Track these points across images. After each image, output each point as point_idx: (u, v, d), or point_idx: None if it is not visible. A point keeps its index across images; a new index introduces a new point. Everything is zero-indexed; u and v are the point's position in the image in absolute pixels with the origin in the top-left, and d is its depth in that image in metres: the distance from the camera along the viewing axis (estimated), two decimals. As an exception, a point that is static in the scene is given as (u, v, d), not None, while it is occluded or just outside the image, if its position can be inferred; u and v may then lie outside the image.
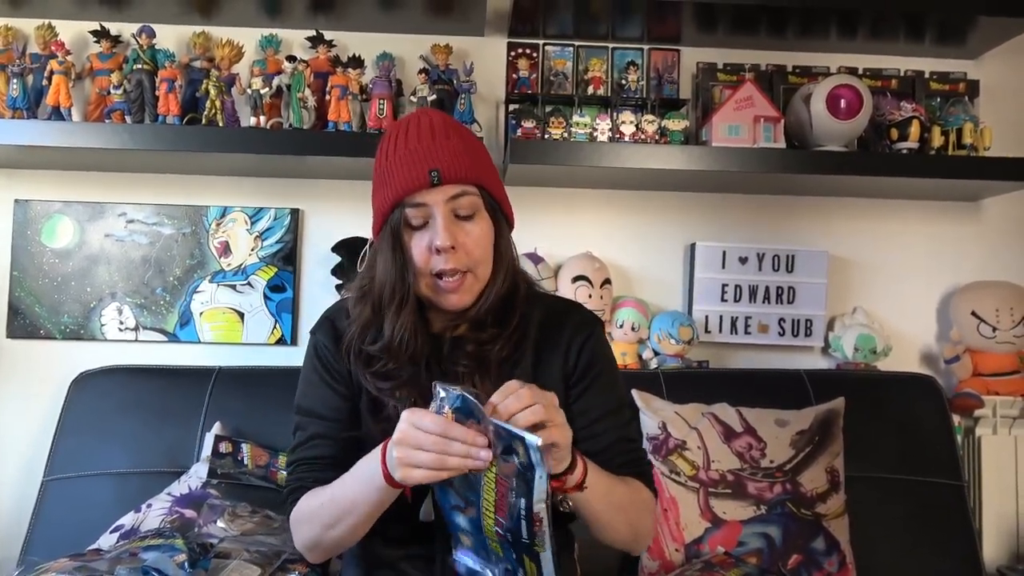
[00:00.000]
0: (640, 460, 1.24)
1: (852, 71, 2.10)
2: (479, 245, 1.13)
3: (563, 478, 1.02)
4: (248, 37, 2.02)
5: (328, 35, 2.00)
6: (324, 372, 1.23)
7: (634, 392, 1.79)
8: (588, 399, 1.21)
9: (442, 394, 0.98)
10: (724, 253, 2.09)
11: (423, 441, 0.95)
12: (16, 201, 2.05)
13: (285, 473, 1.30)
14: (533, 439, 0.90)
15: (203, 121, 1.88)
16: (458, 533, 1.08)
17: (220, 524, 1.52)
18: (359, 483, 1.08)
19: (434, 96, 1.92)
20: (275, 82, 1.91)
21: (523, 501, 0.94)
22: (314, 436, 1.22)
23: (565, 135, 1.92)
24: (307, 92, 1.88)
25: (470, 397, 0.95)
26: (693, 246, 2.11)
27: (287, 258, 2.08)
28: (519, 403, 0.96)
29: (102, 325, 2.05)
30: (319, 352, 1.24)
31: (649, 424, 1.75)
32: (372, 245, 1.17)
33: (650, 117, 1.94)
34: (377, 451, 1.04)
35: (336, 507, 1.11)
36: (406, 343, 1.14)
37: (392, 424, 1.01)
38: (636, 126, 1.93)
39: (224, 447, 1.70)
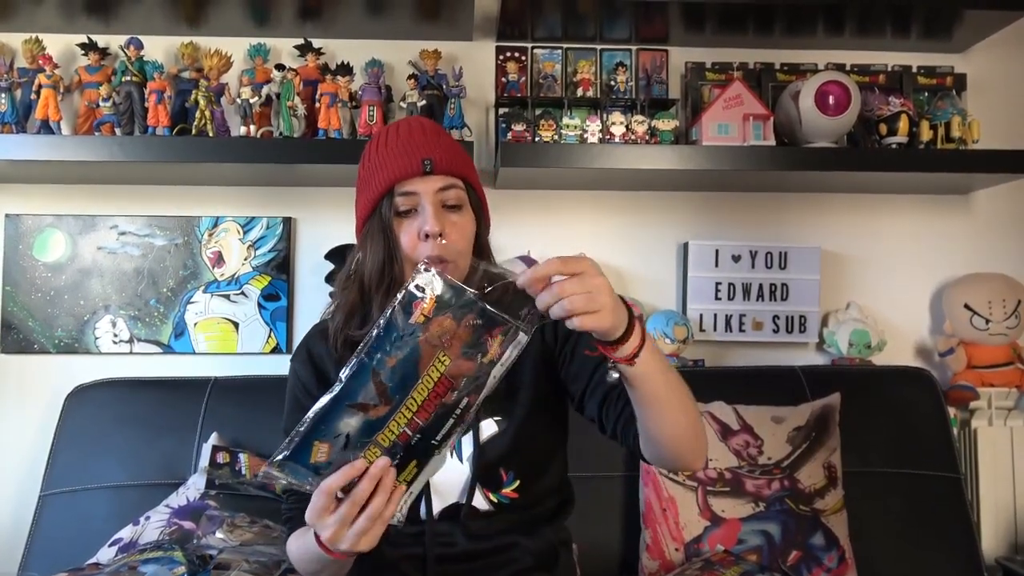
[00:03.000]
0: None
1: (840, 67, 2.11)
2: (463, 236, 1.15)
3: (615, 346, 0.95)
4: (236, 46, 2.02)
5: (317, 43, 2.00)
6: (303, 394, 1.23)
7: (630, 392, 1.79)
8: (579, 351, 1.18)
9: (419, 280, 0.92)
10: (717, 251, 2.10)
11: (339, 516, 0.92)
12: (7, 216, 2.04)
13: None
14: (524, 338, 0.91)
15: (193, 131, 1.88)
16: (316, 441, 0.94)
17: (219, 535, 1.52)
18: (315, 560, 1.06)
19: (424, 101, 1.92)
20: (264, 91, 1.91)
21: (465, 399, 0.92)
22: None
23: (555, 137, 1.93)
24: (297, 100, 1.88)
25: (452, 280, 0.92)
26: (686, 245, 2.11)
27: (280, 267, 2.08)
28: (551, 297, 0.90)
29: (96, 338, 2.04)
30: (299, 376, 1.25)
31: (646, 424, 1.75)
32: (361, 232, 1.17)
33: (640, 118, 1.94)
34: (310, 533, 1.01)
35: (312, 563, 1.09)
36: None
37: None
38: (626, 127, 1.94)
39: (221, 457, 1.70)
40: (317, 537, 0.98)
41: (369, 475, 0.92)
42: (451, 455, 1.16)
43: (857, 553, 1.67)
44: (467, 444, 1.17)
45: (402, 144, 1.14)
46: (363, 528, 0.92)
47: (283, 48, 2.06)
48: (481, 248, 1.20)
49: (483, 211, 1.21)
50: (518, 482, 1.17)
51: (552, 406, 1.23)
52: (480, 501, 1.17)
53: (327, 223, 2.09)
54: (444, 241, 1.11)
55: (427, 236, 1.11)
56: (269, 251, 2.08)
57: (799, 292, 2.11)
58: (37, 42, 1.94)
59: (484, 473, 1.17)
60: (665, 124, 1.95)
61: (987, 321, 2.05)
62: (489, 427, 1.18)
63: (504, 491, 1.17)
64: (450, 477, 1.16)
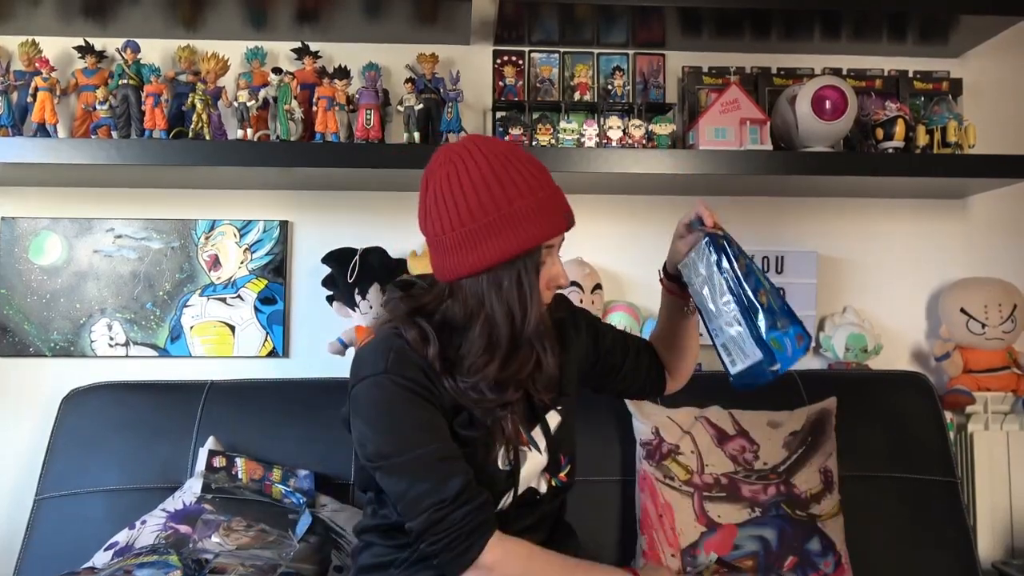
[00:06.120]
0: None
1: (836, 72, 2.11)
2: None
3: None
4: (233, 50, 2.02)
5: (314, 46, 2.00)
6: (425, 402, 1.19)
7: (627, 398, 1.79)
8: (606, 336, 1.47)
9: (726, 251, 1.23)
10: (714, 255, 2.10)
11: None
12: (3, 219, 2.04)
13: (425, 519, 1.15)
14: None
15: (190, 135, 1.87)
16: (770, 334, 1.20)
17: (215, 539, 1.52)
18: None
19: (421, 105, 1.92)
20: (261, 94, 1.91)
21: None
22: (453, 464, 1.17)
23: (552, 141, 1.93)
24: (294, 104, 1.88)
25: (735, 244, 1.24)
26: (683, 249, 2.11)
27: (277, 270, 2.08)
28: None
29: (92, 341, 2.04)
30: (409, 386, 1.18)
31: (642, 429, 1.75)
32: (487, 273, 1.16)
33: (637, 122, 1.94)
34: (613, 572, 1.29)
35: None
36: (532, 368, 1.23)
37: (492, 435, 1.22)
38: (623, 131, 1.94)
39: (218, 461, 1.69)
40: None
41: None
42: (530, 449, 1.29)
43: (853, 558, 1.66)
44: (539, 436, 1.30)
45: (551, 193, 1.18)
46: None
47: (280, 51, 2.06)
48: None
49: None
50: (569, 466, 1.35)
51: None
52: (543, 485, 1.32)
53: (324, 227, 2.09)
54: None
55: (559, 287, 1.23)
56: (266, 254, 2.08)
57: (796, 296, 2.11)
58: (33, 45, 1.94)
59: (552, 460, 1.32)
60: (662, 128, 1.95)
61: (983, 325, 2.05)
62: (554, 418, 1.33)
63: (560, 475, 1.33)
64: (531, 466, 1.29)
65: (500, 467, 1.24)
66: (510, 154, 1.17)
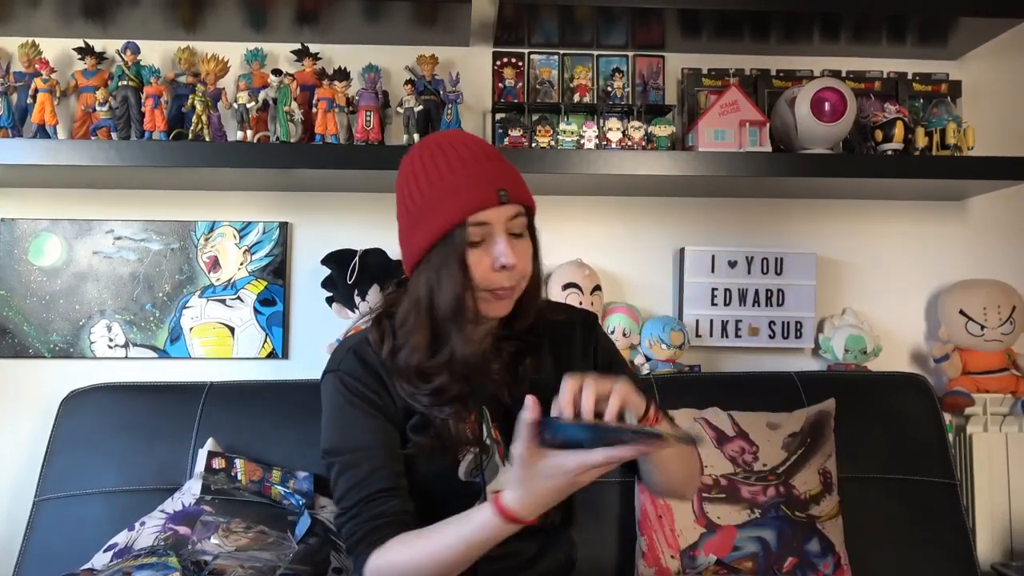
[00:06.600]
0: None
1: (835, 74, 2.11)
2: (528, 263, 1.19)
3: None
4: (233, 51, 2.02)
5: (313, 48, 2.00)
6: (361, 403, 1.21)
7: (626, 398, 1.79)
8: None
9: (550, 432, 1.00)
10: (713, 257, 2.10)
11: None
12: (2, 220, 2.04)
13: (340, 520, 1.20)
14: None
15: (190, 136, 1.87)
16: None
17: (214, 540, 1.51)
18: (479, 544, 1.09)
19: (421, 107, 1.92)
20: (261, 96, 1.91)
21: None
22: (372, 471, 1.18)
23: (552, 143, 1.93)
24: (293, 105, 1.88)
25: (580, 424, 0.99)
26: (682, 251, 2.12)
27: (277, 271, 2.08)
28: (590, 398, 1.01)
29: (91, 343, 2.04)
30: (348, 386, 1.22)
31: (642, 430, 1.75)
32: (423, 260, 1.16)
33: (636, 123, 1.95)
34: (480, 512, 1.07)
35: (474, 548, 1.09)
36: (469, 356, 1.17)
37: (441, 438, 1.16)
38: (623, 133, 1.94)
39: (217, 463, 1.69)
40: (509, 512, 1.03)
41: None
42: (503, 461, 1.22)
43: (852, 559, 1.67)
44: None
45: (471, 170, 1.13)
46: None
47: (280, 53, 2.06)
48: (536, 271, 1.23)
49: (535, 232, 1.23)
50: None
51: None
52: None
53: (324, 228, 2.09)
54: (514, 270, 1.14)
55: (503, 267, 1.13)
56: (265, 256, 2.08)
57: (795, 298, 2.11)
58: (33, 46, 1.94)
59: None
60: (661, 130, 1.95)
61: (982, 327, 2.05)
62: None
63: None
64: (507, 479, 1.20)
65: (462, 477, 1.21)
66: (444, 141, 1.17)
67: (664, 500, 1.67)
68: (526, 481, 1.01)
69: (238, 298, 2.07)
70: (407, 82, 1.95)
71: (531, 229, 1.21)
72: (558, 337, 1.30)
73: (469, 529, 1.08)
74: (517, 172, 1.19)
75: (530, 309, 1.23)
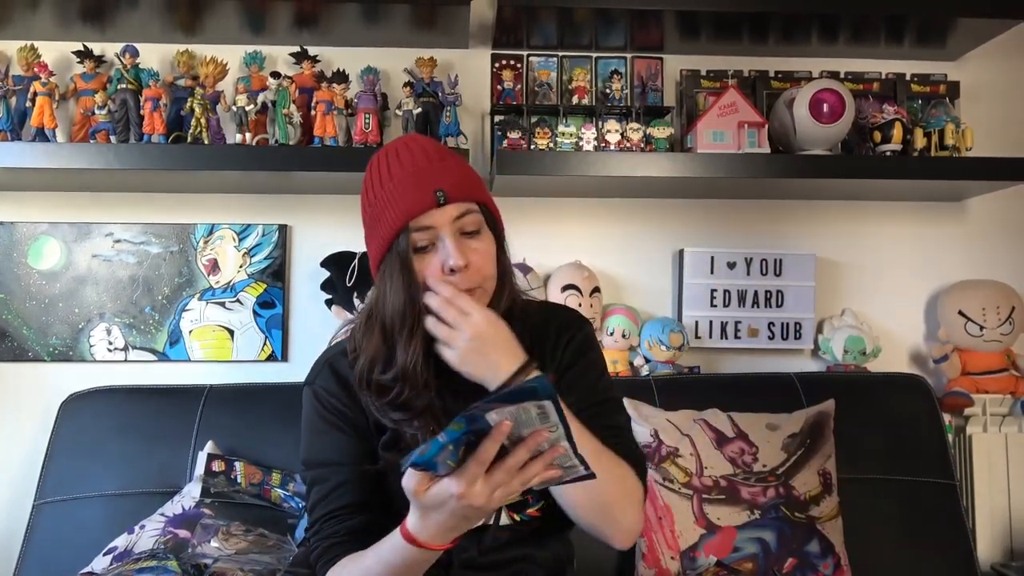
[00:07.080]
0: (629, 453, 1.17)
1: (834, 75, 2.12)
2: (487, 261, 1.13)
3: None
4: (232, 54, 2.02)
5: (312, 50, 2.00)
6: (333, 417, 1.19)
7: (626, 400, 1.79)
8: (570, 395, 1.14)
9: (441, 440, 0.86)
10: (712, 258, 2.10)
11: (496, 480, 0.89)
12: (1, 223, 2.04)
13: (307, 533, 1.20)
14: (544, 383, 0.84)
15: (189, 139, 1.88)
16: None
17: (214, 543, 1.51)
18: (408, 566, 1.02)
19: (419, 109, 1.92)
20: (260, 98, 1.91)
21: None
22: (337, 486, 1.16)
23: (551, 145, 1.93)
24: (292, 108, 1.88)
25: (462, 427, 0.86)
26: (681, 252, 2.12)
27: (276, 274, 2.08)
28: None
29: (91, 346, 2.04)
30: (321, 400, 1.20)
31: (641, 432, 1.75)
32: (378, 270, 1.13)
33: (635, 125, 1.95)
34: (394, 537, 1.00)
35: (406, 569, 1.03)
36: (420, 368, 1.11)
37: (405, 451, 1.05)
38: (621, 134, 1.94)
39: (217, 466, 1.69)
40: (413, 539, 0.96)
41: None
42: None
43: (852, 560, 1.67)
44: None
45: (408, 175, 1.09)
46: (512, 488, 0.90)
47: (279, 56, 2.06)
48: (504, 268, 1.18)
49: (499, 229, 1.18)
50: (542, 502, 1.17)
51: None
52: (504, 519, 1.17)
53: (323, 230, 2.09)
54: (469, 270, 1.09)
55: (452, 271, 1.08)
56: (264, 258, 2.08)
57: (794, 299, 2.11)
58: (32, 50, 1.94)
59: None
60: (660, 132, 1.95)
61: (981, 328, 2.05)
62: None
63: (528, 511, 1.18)
64: None
65: None
66: (391, 148, 1.14)
67: (667, 484, 1.67)
68: (422, 513, 0.95)
69: (237, 301, 2.07)
70: (406, 84, 1.96)
71: (492, 225, 1.15)
72: (537, 338, 1.21)
73: (389, 554, 1.02)
74: (465, 170, 1.14)
75: (498, 311, 1.14)
